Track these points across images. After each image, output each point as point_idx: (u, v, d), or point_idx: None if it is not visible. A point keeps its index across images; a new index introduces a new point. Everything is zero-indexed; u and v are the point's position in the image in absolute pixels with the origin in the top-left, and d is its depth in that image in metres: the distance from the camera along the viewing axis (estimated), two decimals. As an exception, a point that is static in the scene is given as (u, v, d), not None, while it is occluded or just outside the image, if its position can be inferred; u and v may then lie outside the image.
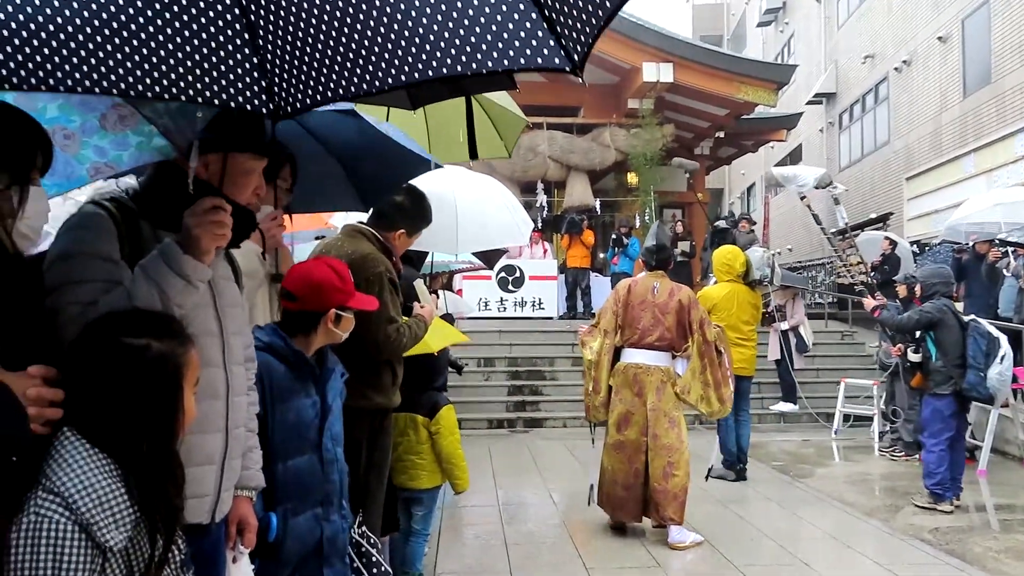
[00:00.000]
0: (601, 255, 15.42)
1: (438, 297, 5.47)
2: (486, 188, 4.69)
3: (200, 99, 1.38)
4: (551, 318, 12.77)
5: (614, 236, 13.44)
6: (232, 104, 1.42)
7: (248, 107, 1.45)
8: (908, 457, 7.54)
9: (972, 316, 5.97)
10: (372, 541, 2.44)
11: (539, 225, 14.50)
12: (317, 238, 4.73)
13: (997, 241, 8.35)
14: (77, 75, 1.26)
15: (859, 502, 5.97)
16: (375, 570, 2.36)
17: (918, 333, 5.95)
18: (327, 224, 4.78)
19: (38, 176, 1.43)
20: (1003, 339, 5.73)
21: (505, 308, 12.90)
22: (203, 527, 1.71)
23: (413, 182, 3.18)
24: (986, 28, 13.23)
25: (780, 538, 5.00)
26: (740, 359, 6.44)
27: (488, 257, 7.55)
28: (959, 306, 8.83)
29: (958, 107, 14.10)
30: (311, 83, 1.41)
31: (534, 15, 1.27)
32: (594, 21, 1.27)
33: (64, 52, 1.26)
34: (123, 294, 1.49)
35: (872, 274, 10.56)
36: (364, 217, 3.24)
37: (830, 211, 10.08)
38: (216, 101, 1.40)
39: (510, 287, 12.94)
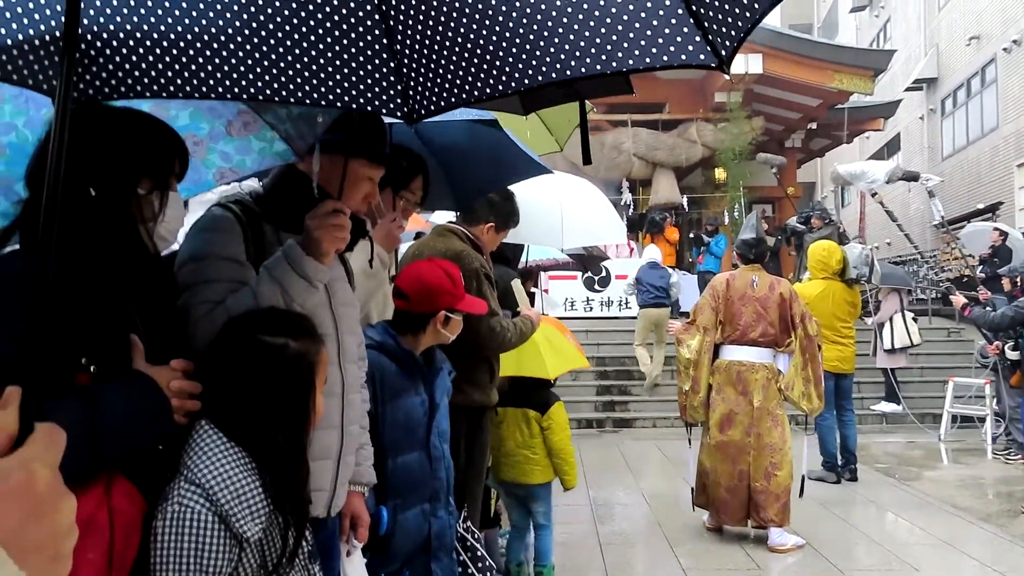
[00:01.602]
0: (687, 254, 15.16)
1: (534, 296, 5.49)
2: (584, 188, 4.77)
3: (340, 104, 1.43)
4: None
5: (692, 235, 13.16)
6: (370, 107, 1.46)
7: (384, 111, 1.49)
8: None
9: None
10: (476, 536, 2.48)
11: (625, 224, 14.36)
12: (416, 236, 4.84)
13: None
14: (226, 83, 1.33)
15: (973, 507, 5.66)
16: (480, 564, 2.39)
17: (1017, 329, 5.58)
18: (427, 224, 4.88)
19: (175, 182, 1.51)
20: None
21: (591, 308, 12.84)
22: (320, 521, 1.76)
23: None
24: (1106, 2, 12.34)
25: (887, 542, 4.80)
26: (838, 357, 6.23)
27: (586, 262, 7.46)
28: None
29: (1075, 88, 13.21)
30: (446, 85, 1.41)
31: (680, 11, 1.24)
32: (748, 15, 1.22)
33: (214, 61, 1.33)
34: (249, 294, 1.57)
35: (981, 267, 10.01)
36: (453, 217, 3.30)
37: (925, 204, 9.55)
38: (355, 105, 1.44)
39: (596, 287, 12.87)
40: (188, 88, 1.40)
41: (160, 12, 1.34)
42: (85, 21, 1.48)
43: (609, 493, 6.10)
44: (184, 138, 2.03)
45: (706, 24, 1.24)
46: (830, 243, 6.81)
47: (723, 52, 1.27)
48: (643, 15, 1.25)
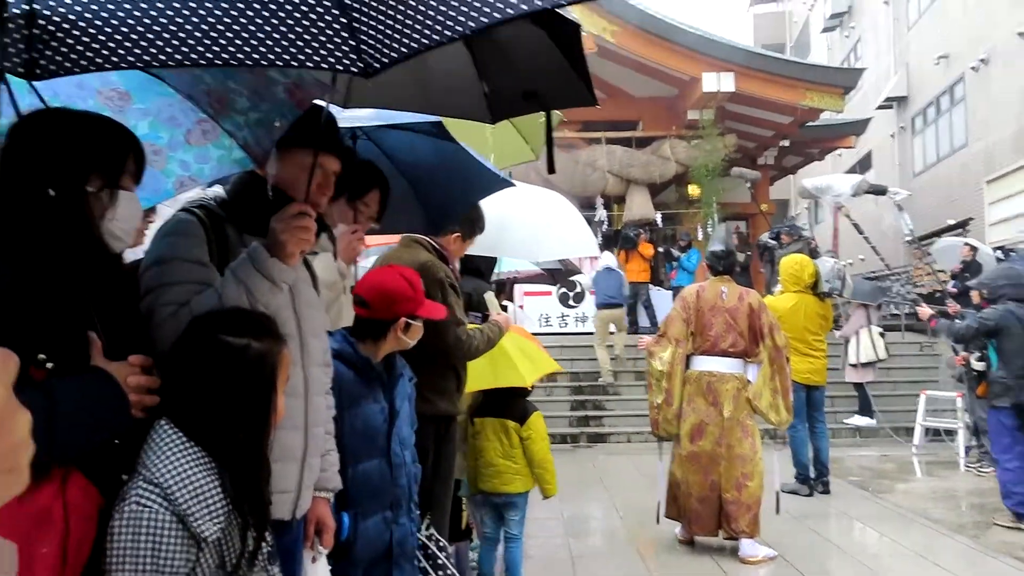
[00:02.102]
0: (662, 269, 15.24)
1: (507, 309, 5.48)
2: (557, 202, 4.80)
3: (295, 63, 1.43)
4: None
5: (662, 250, 13.27)
6: (325, 64, 1.47)
7: (340, 67, 1.49)
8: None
9: None
10: (441, 544, 2.45)
11: (600, 240, 14.43)
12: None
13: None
14: (180, 48, 1.33)
15: (946, 518, 5.69)
16: (441, 572, 2.36)
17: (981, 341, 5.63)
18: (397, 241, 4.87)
19: (130, 181, 1.51)
20: None
21: (566, 324, 12.85)
22: (285, 523, 1.76)
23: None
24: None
25: (860, 554, 4.80)
26: (809, 369, 6.28)
27: (556, 276, 7.51)
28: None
29: (1041, 105, 13.51)
30: (395, 36, 1.42)
31: None
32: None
33: (165, 26, 1.33)
34: (213, 295, 1.58)
35: (952, 282, 10.14)
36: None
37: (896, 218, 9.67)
38: (310, 63, 1.45)
39: (571, 302, 12.89)
40: (140, 57, 1.43)
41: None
42: (36, 5, 1.51)
43: (582, 508, 6.07)
44: (143, 148, 2.03)
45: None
46: (802, 257, 6.86)
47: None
48: None
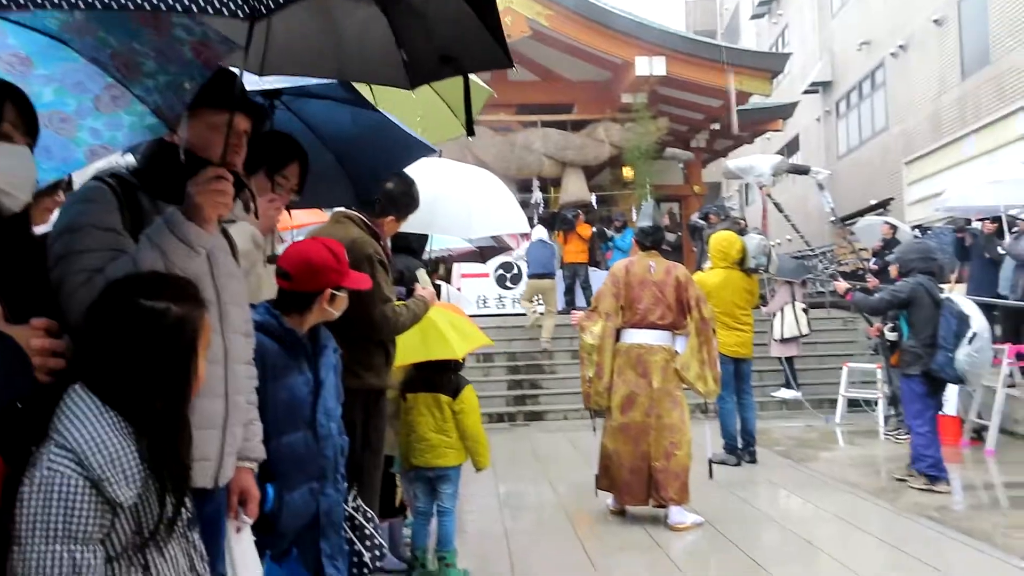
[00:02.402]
0: (598, 249, 15.41)
1: (439, 288, 5.48)
2: (487, 179, 4.82)
3: (180, 7, 1.38)
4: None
5: (595, 230, 13.47)
6: (210, 10, 1.43)
7: (226, 11, 1.45)
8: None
9: (947, 295, 5.83)
10: (368, 515, 2.45)
11: (535, 222, 14.50)
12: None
13: (1000, 217, 8.30)
14: None
15: (864, 483, 5.93)
16: (368, 542, 2.37)
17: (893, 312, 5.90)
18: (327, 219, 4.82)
19: (14, 131, 1.44)
20: (975, 319, 5.54)
21: (504, 305, 12.91)
22: (207, 492, 1.74)
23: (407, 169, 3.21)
24: (983, 8, 13.21)
25: (784, 519, 4.99)
26: (736, 342, 6.46)
27: (483, 252, 7.60)
28: (961, 288, 8.82)
29: (957, 89, 14.09)
30: None
31: None
32: None
33: None
34: (128, 261, 1.55)
35: (873, 259, 10.54)
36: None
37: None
38: (195, 7, 1.40)
39: (508, 284, 12.95)
40: None
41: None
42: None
43: (517, 484, 6.13)
44: (49, 116, 1.96)
45: None
46: (730, 233, 7.00)
47: None
48: None
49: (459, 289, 11.44)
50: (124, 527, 1.31)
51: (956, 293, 8.35)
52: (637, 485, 4.81)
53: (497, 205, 4.72)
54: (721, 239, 6.72)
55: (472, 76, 3.77)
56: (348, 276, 2.32)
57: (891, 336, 6.00)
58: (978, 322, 5.51)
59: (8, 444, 1.28)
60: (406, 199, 3.18)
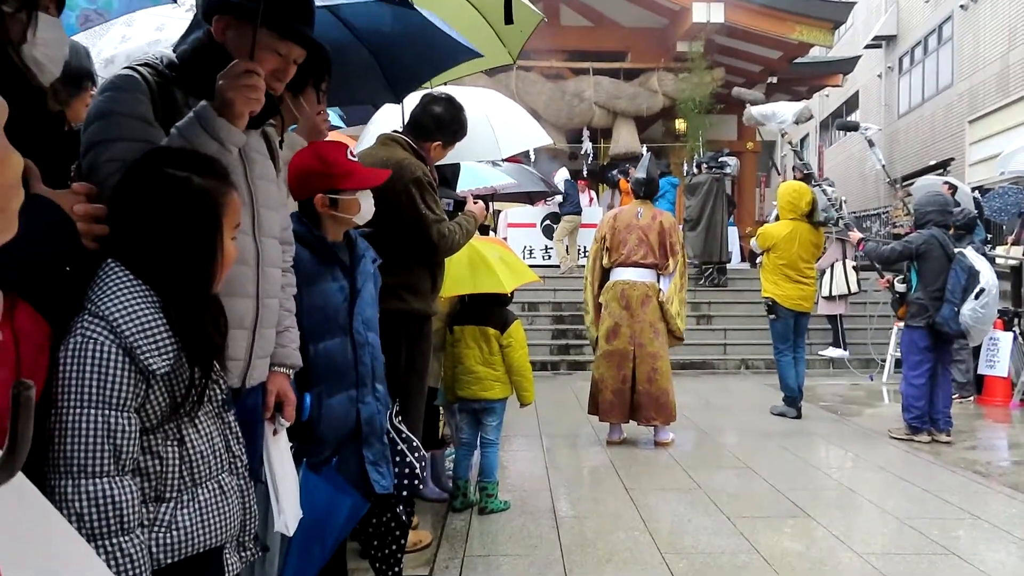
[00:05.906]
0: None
1: (487, 229, 5.51)
2: (502, 99, 4.85)
3: None
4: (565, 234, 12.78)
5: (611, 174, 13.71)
6: None
7: None
8: (962, 399, 7.33)
9: (960, 249, 5.70)
10: (404, 435, 2.40)
11: (584, 173, 14.36)
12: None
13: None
14: None
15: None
16: (416, 454, 2.40)
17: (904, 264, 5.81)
18: (352, 139, 4.84)
19: (50, 3, 1.41)
20: (985, 275, 5.45)
21: (550, 256, 12.89)
22: (236, 391, 1.73)
23: (451, 93, 3.18)
24: (1060, -41, 12.52)
25: (825, 467, 4.97)
26: (800, 295, 6.39)
27: (531, 195, 7.56)
28: (1018, 250, 8.51)
29: (1028, 45, 13.45)
30: None
31: None
32: None
33: None
34: None
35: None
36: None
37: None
38: None
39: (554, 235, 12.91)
40: None
41: None
42: None
43: (559, 427, 6.20)
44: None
45: None
46: (800, 184, 6.77)
47: None
48: None
49: (505, 239, 11.47)
50: (158, 399, 1.33)
51: (1013, 253, 8.11)
52: (619, 405, 5.37)
53: (517, 121, 4.64)
54: (791, 189, 6.54)
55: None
56: (350, 177, 2.22)
57: (900, 287, 5.92)
58: (987, 278, 5.47)
59: (58, 309, 1.29)
60: (455, 125, 3.14)
